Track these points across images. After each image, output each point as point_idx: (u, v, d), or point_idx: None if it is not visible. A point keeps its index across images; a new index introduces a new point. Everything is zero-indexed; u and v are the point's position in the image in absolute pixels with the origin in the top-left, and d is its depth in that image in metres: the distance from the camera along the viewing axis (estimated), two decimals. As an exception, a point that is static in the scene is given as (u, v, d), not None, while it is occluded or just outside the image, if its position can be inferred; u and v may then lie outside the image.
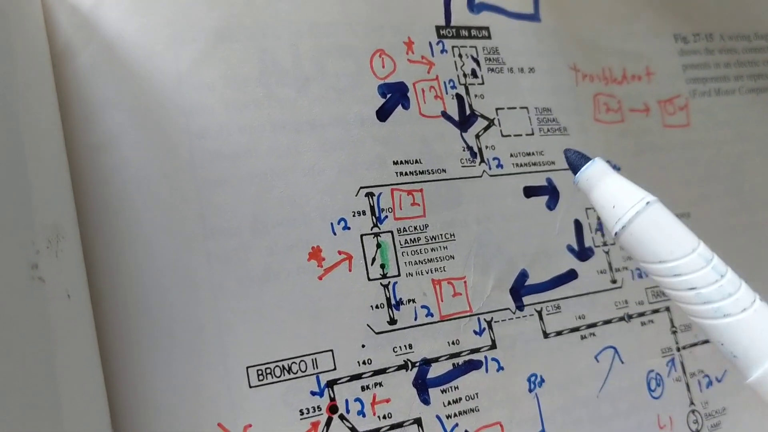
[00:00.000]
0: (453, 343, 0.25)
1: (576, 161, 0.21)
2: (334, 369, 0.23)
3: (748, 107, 0.35)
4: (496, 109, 0.28)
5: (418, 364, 0.25)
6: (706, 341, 0.30)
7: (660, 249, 0.19)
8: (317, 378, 0.23)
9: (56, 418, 0.17)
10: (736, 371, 0.19)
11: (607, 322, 0.28)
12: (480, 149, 0.28)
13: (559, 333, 0.27)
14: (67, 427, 0.18)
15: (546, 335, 0.27)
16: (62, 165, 0.22)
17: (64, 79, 0.23)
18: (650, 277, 0.20)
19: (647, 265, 0.20)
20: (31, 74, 0.21)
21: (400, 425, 0.24)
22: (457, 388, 0.25)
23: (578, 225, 0.29)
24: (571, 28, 0.31)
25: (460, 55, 0.28)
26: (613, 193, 0.20)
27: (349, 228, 0.24)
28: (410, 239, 0.25)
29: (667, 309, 0.30)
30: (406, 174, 0.26)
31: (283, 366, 0.23)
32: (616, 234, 0.20)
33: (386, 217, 0.25)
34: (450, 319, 0.25)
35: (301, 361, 0.23)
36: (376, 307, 0.24)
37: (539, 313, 0.27)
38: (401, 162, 0.26)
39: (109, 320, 0.22)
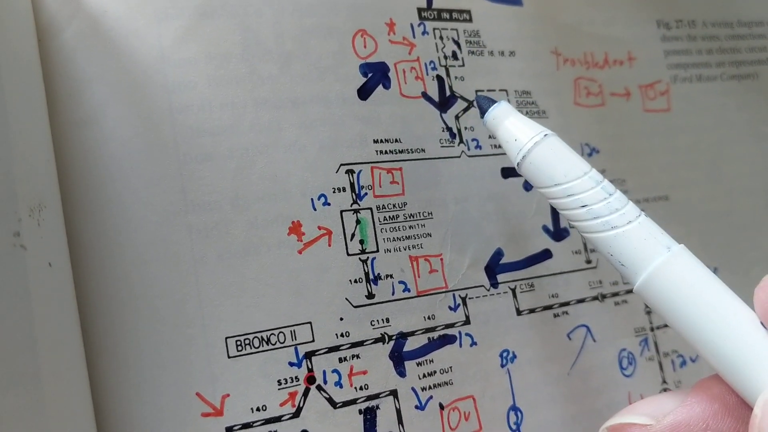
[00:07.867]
0: (429, 317, 0.26)
1: (484, 104, 0.23)
2: (313, 341, 0.24)
3: (729, 94, 0.35)
4: (476, 91, 0.28)
5: (394, 337, 0.25)
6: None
7: (555, 173, 0.21)
8: (295, 349, 0.24)
9: (36, 385, 0.18)
10: (625, 281, 0.20)
11: (581, 301, 0.29)
12: (459, 130, 0.28)
13: (532, 311, 0.28)
14: (47, 395, 0.18)
15: (519, 312, 0.28)
16: (46, 138, 0.22)
17: (48, 54, 0.23)
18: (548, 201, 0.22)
19: (544, 190, 0.22)
20: (17, 49, 0.21)
21: (376, 396, 0.24)
22: (432, 361, 0.26)
23: (554, 206, 0.29)
24: (553, 13, 0.31)
25: (441, 37, 0.28)
26: (515, 128, 0.22)
27: (329, 204, 0.25)
28: (389, 216, 0.26)
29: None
30: (386, 152, 0.26)
31: (261, 337, 0.23)
32: (518, 164, 0.22)
33: (366, 194, 0.26)
34: (426, 295, 0.26)
35: (280, 332, 0.23)
36: (355, 281, 0.25)
37: (513, 290, 0.28)
38: (381, 141, 0.26)
39: (90, 291, 0.22)
